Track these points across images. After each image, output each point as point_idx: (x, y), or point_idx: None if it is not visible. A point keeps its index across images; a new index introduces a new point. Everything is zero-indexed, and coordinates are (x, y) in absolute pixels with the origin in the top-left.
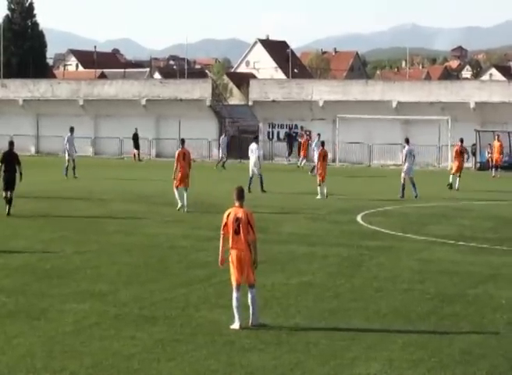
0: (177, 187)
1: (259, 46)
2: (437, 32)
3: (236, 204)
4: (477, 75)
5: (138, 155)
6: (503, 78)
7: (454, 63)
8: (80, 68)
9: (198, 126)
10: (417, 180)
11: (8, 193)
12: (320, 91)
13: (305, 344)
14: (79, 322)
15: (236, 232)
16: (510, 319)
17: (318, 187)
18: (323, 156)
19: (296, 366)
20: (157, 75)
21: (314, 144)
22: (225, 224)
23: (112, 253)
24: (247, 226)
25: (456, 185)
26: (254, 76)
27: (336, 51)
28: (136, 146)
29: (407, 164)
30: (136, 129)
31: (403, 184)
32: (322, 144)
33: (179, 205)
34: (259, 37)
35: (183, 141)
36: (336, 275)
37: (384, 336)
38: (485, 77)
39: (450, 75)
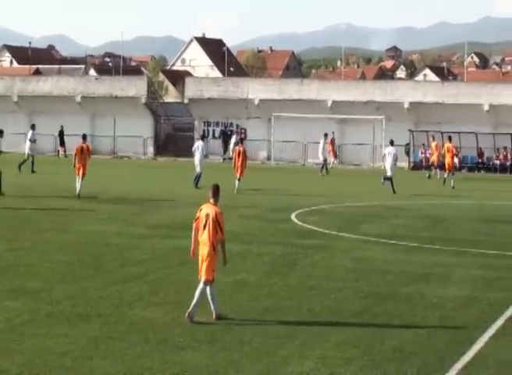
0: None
1: (195, 44)
2: (372, 32)
3: (211, 200)
4: (411, 75)
5: (64, 152)
6: (437, 79)
7: (389, 63)
8: (15, 64)
9: (133, 124)
10: (351, 180)
11: None
12: (255, 90)
13: (239, 342)
14: (11, 320)
15: (204, 227)
16: (442, 318)
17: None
18: (240, 153)
19: (230, 363)
20: (92, 72)
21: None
22: (198, 218)
23: (45, 250)
24: (215, 225)
25: (452, 183)
26: (189, 74)
27: (271, 50)
28: (62, 143)
29: (389, 162)
30: (62, 126)
31: (384, 181)
32: (241, 141)
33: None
34: (195, 35)
35: (84, 136)
36: (271, 273)
37: (317, 334)
38: (420, 78)
39: (385, 75)
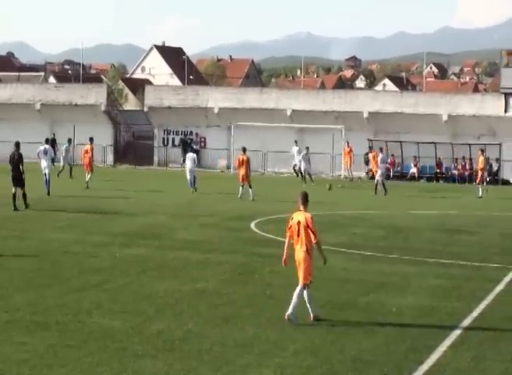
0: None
1: (155, 52)
2: (332, 41)
3: (301, 208)
4: (370, 85)
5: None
6: (396, 89)
7: (348, 73)
8: None
9: (93, 132)
10: (310, 188)
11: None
12: (215, 98)
13: (198, 350)
14: None
15: (298, 234)
16: (400, 327)
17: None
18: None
19: (189, 372)
20: (52, 79)
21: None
22: (290, 226)
23: (4, 258)
24: (307, 230)
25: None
26: (149, 82)
27: (231, 59)
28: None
29: (380, 169)
30: (54, 134)
31: (376, 185)
32: (244, 150)
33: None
34: (155, 43)
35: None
36: (230, 282)
37: (276, 343)
38: (379, 87)
39: (344, 84)
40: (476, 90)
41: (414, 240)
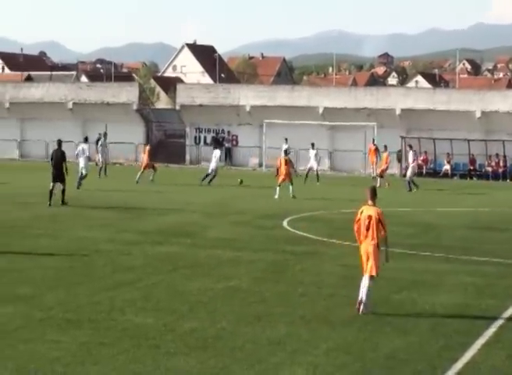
0: None
1: (186, 50)
2: (363, 39)
3: (369, 202)
4: (403, 82)
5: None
6: (429, 85)
7: (380, 70)
8: (7, 70)
9: (125, 130)
10: (343, 186)
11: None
12: (247, 96)
13: (230, 348)
14: (3, 325)
15: (367, 228)
16: (433, 325)
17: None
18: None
19: (222, 370)
20: (84, 78)
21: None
22: (358, 220)
23: (36, 256)
24: (378, 224)
25: None
26: (181, 81)
27: (262, 57)
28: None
29: (412, 166)
30: (100, 134)
31: (409, 182)
32: (285, 152)
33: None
34: (186, 42)
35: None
36: (262, 280)
37: (308, 341)
38: (411, 84)
39: (376, 81)
40: (510, 86)
41: (446, 237)
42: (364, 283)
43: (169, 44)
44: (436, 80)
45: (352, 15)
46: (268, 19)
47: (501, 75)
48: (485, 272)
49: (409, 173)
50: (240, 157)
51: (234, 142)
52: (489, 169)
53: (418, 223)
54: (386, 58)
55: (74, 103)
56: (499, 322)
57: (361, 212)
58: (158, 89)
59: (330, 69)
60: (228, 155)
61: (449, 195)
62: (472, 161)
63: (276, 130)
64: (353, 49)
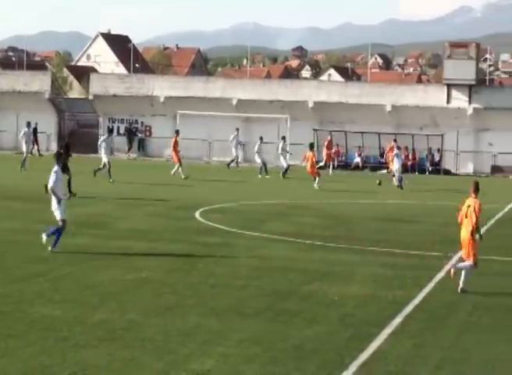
0: None
1: (100, 40)
2: (278, 32)
3: (472, 195)
4: (316, 75)
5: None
6: (341, 79)
7: (294, 63)
8: None
9: (37, 119)
10: (257, 178)
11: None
12: (161, 87)
13: (140, 340)
14: None
15: (466, 216)
16: (342, 315)
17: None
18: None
19: (131, 361)
20: None
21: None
22: (461, 209)
23: None
24: (474, 213)
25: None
26: (94, 70)
27: (177, 48)
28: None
29: (397, 163)
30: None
31: (399, 180)
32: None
33: None
34: (101, 31)
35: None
36: (174, 271)
37: (219, 332)
38: (324, 77)
39: (290, 74)
40: (419, 81)
41: (359, 229)
42: (466, 263)
43: (85, 34)
44: (349, 74)
45: (267, 8)
46: (184, 11)
47: (411, 70)
48: (395, 263)
49: (395, 170)
50: (153, 148)
51: (148, 133)
52: None
53: (331, 215)
54: (300, 52)
55: None
56: (406, 312)
57: (464, 203)
58: (72, 78)
59: (245, 61)
60: (141, 145)
61: (360, 188)
62: (383, 154)
63: (190, 121)
64: (267, 42)
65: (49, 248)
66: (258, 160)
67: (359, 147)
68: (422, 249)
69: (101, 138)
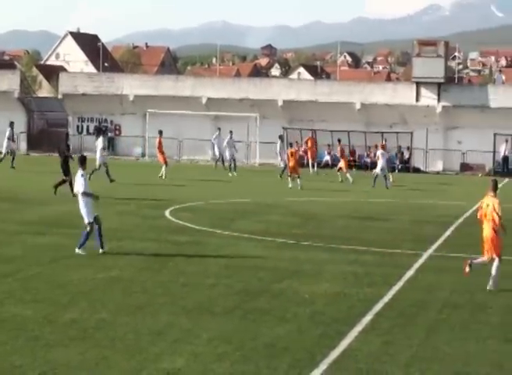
0: None
1: (70, 39)
2: (247, 30)
3: (491, 194)
4: (285, 73)
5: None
6: (311, 77)
7: (264, 61)
8: None
9: (6, 119)
10: (225, 177)
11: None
12: (130, 86)
13: (111, 339)
14: None
15: (485, 215)
16: (312, 313)
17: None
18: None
19: (102, 360)
20: None
21: (225, 142)
22: (480, 208)
23: None
24: (493, 212)
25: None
26: (64, 69)
27: (147, 46)
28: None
29: (381, 163)
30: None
31: (375, 178)
32: (291, 145)
33: None
34: (70, 30)
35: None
36: (144, 270)
37: (190, 330)
38: (294, 76)
39: (260, 72)
40: (389, 79)
41: (328, 227)
42: (494, 265)
43: (55, 33)
44: (318, 72)
45: (236, 6)
46: (153, 9)
47: (380, 68)
48: (365, 261)
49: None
50: (123, 147)
51: (117, 132)
52: (368, 160)
53: (300, 213)
54: (270, 50)
55: None
56: (376, 309)
57: (482, 202)
58: (41, 77)
59: (214, 59)
60: (111, 144)
61: (329, 186)
62: (352, 152)
63: (160, 120)
64: (237, 40)
65: (76, 250)
66: (227, 154)
67: (328, 145)
68: (391, 247)
69: (99, 140)
